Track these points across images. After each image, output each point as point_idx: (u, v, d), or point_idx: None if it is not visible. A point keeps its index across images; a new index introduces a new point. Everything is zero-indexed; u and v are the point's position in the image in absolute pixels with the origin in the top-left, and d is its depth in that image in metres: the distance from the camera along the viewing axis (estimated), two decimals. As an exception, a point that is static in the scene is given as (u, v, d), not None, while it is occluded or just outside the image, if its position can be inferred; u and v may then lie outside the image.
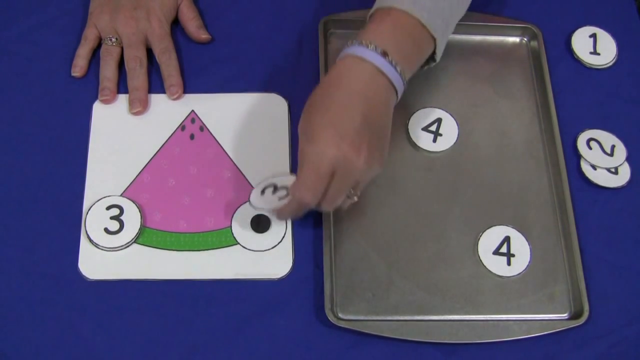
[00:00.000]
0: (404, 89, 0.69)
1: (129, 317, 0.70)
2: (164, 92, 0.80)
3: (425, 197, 0.77)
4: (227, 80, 0.82)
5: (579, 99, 0.83)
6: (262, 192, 0.72)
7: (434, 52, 0.71)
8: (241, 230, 0.74)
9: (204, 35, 0.83)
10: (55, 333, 0.69)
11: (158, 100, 0.80)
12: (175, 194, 0.75)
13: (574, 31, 0.87)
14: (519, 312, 0.72)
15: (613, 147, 0.80)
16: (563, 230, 0.75)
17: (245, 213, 0.74)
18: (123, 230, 0.73)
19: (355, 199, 0.70)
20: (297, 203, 0.68)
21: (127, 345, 0.68)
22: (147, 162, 0.77)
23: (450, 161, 0.79)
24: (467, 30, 0.84)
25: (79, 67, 0.80)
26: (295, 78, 0.82)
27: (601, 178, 0.78)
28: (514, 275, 0.73)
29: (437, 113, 0.81)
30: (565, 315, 0.72)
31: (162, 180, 0.76)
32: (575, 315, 0.72)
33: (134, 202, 0.74)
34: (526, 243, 0.75)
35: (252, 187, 0.75)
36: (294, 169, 0.75)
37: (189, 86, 0.81)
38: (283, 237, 0.74)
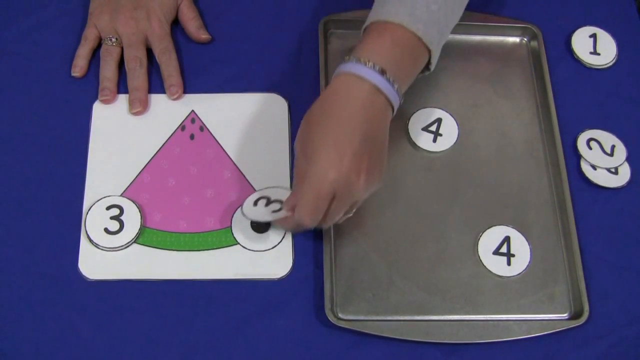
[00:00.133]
0: (400, 103, 0.69)
1: (129, 317, 0.70)
2: (164, 92, 0.80)
3: (425, 197, 0.77)
4: (227, 80, 0.82)
5: (579, 99, 0.83)
6: (255, 203, 0.72)
7: (428, 62, 0.71)
8: (241, 230, 0.74)
9: (204, 36, 0.83)
10: (55, 333, 0.68)
11: (158, 100, 0.80)
12: (175, 194, 0.75)
13: (574, 31, 0.87)
14: (519, 312, 0.72)
15: (613, 147, 0.80)
16: (563, 230, 0.75)
17: (246, 213, 0.75)
18: (123, 230, 0.73)
19: (351, 214, 0.70)
20: (296, 222, 0.68)
21: (127, 345, 0.68)
22: (147, 162, 0.77)
23: (450, 161, 0.79)
24: (467, 30, 0.84)
25: (79, 67, 0.80)
26: (295, 78, 0.82)
27: (601, 178, 0.78)
28: (514, 275, 0.73)
29: (437, 113, 0.81)
30: (565, 315, 0.72)
31: (162, 180, 0.76)
32: (575, 315, 0.72)
33: (134, 202, 0.74)
34: (526, 243, 0.75)
35: (252, 189, 0.75)
36: (293, 169, 0.75)
37: (189, 86, 0.81)
38: (283, 237, 0.74)
